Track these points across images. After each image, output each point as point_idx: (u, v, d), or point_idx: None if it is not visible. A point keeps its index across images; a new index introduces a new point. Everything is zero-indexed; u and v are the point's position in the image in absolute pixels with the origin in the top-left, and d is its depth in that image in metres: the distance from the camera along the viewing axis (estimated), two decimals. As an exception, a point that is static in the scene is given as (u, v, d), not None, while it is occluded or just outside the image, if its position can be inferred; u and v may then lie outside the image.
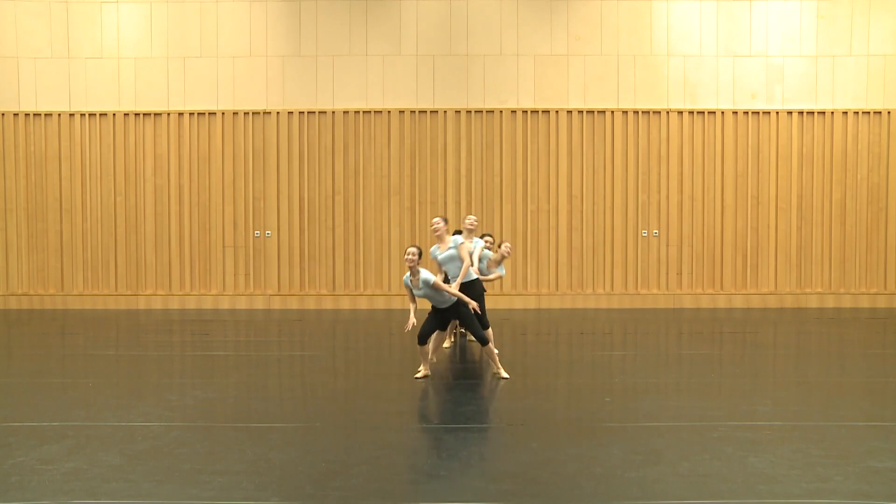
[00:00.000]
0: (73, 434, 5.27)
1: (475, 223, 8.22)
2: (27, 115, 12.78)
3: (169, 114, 12.78)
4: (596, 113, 12.78)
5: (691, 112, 12.78)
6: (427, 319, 7.15)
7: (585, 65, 12.73)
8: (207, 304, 12.78)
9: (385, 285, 12.81)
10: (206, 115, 12.78)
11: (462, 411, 6.02)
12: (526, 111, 12.75)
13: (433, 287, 6.85)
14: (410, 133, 12.78)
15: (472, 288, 7.33)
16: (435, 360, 7.79)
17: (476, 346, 8.85)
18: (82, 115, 12.78)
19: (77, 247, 12.87)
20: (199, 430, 5.40)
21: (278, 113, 12.78)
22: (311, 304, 12.77)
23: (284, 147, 12.82)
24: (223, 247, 12.87)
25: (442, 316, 7.15)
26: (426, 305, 7.35)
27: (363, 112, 12.76)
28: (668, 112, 12.77)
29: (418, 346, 7.12)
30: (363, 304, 12.74)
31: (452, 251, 7.25)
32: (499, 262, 8.43)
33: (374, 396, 6.52)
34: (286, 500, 4.10)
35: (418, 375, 7.15)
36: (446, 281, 7.40)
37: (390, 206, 12.79)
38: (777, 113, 12.79)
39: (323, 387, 7.04)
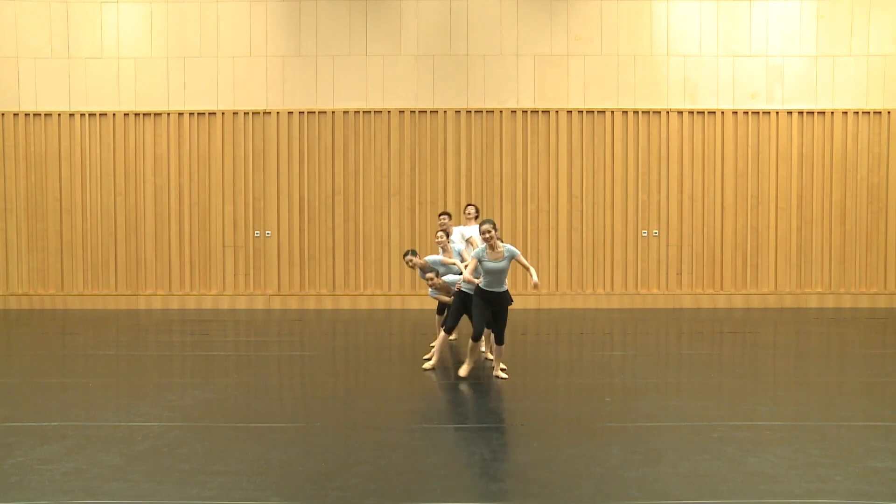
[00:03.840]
0: (73, 434, 5.27)
1: (472, 212, 8.72)
2: (27, 115, 12.78)
3: (169, 114, 12.78)
4: (596, 113, 12.78)
5: (691, 112, 12.78)
6: (466, 309, 7.39)
7: (585, 65, 12.73)
8: (207, 304, 12.78)
9: (385, 285, 12.81)
10: (206, 115, 12.78)
11: (462, 411, 6.02)
12: (526, 111, 12.75)
13: (510, 259, 6.92)
14: (410, 133, 12.78)
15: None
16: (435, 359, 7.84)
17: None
18: (82, 115, 12.78)
19: (77, 247, 12.87)
20: (199, 430, 5.40)
21: (278, 113, 12.78)
22: (311, 304, 12.77)
23: (284, 147, 12.82)
24: (223, 247, 12.87)
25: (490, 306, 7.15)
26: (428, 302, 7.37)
27: (363, 112, 12.77)
28: (668, 112, 12.77)
29: (445, 335, 7.52)
30: (363, 304, 12.74)
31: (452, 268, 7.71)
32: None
33: (374, 396, 6.52)
34: (286, 500, 4.10)
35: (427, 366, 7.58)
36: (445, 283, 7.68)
37: (390, 206, 12.79)
38: (777, 113, 12.79)
39: (323, 387, 7.04)
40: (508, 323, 10.07)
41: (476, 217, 8.70)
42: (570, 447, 4.96)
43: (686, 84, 12.75)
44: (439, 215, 8.67)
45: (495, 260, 6.92)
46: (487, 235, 6.84)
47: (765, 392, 6.63)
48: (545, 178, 12.81)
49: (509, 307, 7.25)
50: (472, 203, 9.68)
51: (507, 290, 7.16)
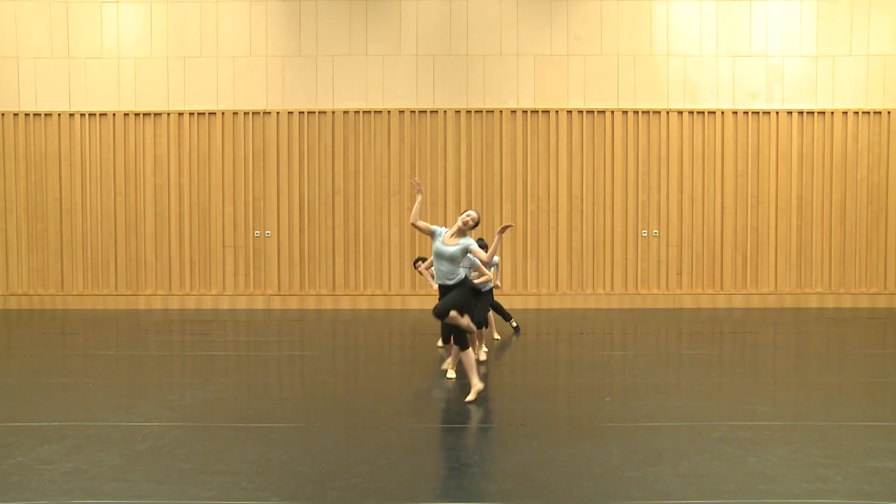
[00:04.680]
0: (73, 434, 5.27)
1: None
2: (27, 115, 12.77)
3: (169, 114, 12.78)
4: (596, 113, 12.78)
5: (691, 112, 12.78)
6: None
7: (585, 65, 12.73)
8: (207, 304, 12.77)
9: (385, 285, 12.81)
10: (206, 115, 12.78)
11: (462, 411, 6.02)
12: (526, 111, 12.75)
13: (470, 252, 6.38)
14: (410, 133, 12.78)
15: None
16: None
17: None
18: (82, 115, 12.78)
19: (77, 247, 12.86)
20: (199, 430, 5.40)
21: (278, 113, 12.78)
22: (311, 304, 12.77)
23: (284, 147, 12.82)
24: (223, 247, 12.87)
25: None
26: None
27: (363, 112, 12.76)
28: (668, 112, 12.77)
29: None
30: (363, 304, 12.74)
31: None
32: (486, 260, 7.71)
33: (374, 396, 6.52)
34: (286, 500, 4.10)
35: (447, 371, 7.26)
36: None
37: (390, 206, 12.79)
38: (777, 113, 12.79)
39: (323, 387, 7.04)
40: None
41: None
42: (570, 447, 4.96)
43: (686, 84, 12.75)
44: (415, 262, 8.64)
45: (446, 244, 6.32)
46: (468, 219, 6.31)
47: (765, 392, 6.63)
48: (545, 178, 12.81)
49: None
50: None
51: (457, 284, 6.42)
